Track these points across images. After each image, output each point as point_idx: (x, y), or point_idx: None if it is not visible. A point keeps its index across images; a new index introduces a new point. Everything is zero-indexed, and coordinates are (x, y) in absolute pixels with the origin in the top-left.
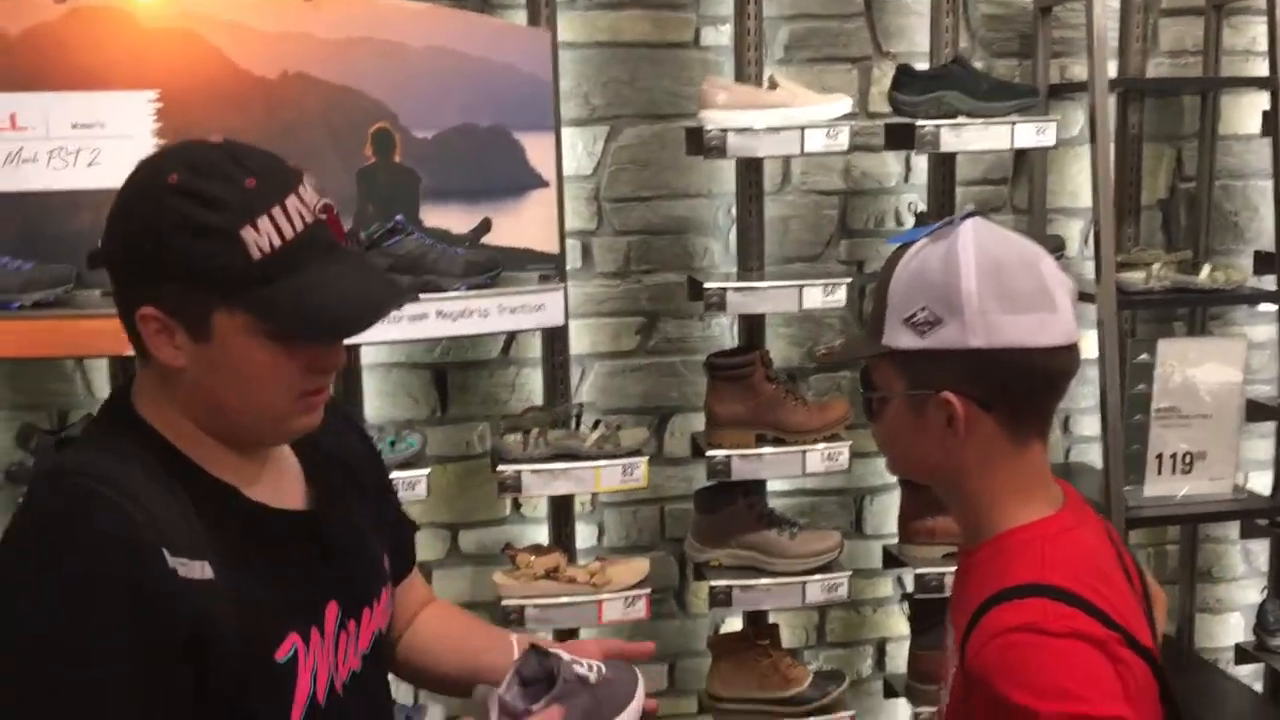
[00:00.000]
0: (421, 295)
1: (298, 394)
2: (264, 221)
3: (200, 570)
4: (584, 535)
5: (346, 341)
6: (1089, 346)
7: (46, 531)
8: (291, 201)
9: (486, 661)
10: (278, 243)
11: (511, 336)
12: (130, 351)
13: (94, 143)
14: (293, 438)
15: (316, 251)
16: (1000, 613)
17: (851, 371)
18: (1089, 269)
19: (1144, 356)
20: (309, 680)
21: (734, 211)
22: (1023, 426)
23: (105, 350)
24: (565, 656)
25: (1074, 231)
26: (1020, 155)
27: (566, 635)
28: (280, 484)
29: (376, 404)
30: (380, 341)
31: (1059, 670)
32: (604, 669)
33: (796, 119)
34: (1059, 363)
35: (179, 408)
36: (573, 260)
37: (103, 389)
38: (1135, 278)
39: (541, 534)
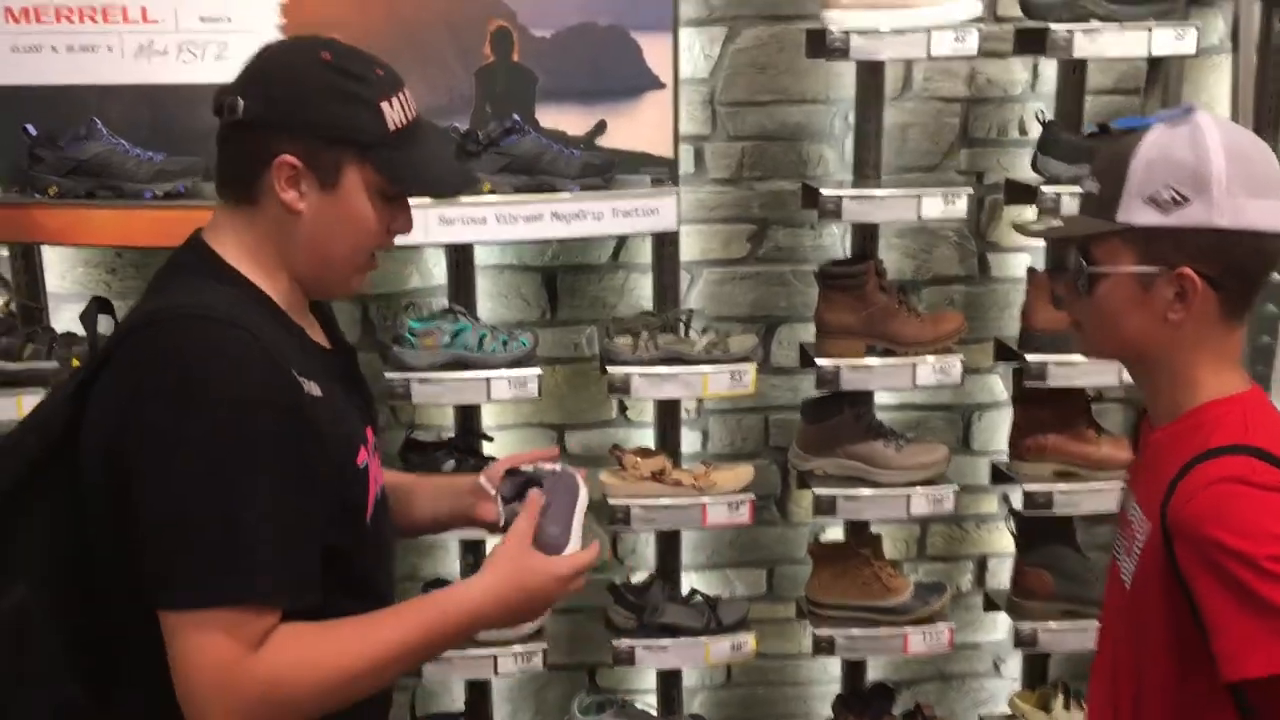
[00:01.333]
0: (536, 196)
1: (373, 250)
2: (395, 100)
3: (315, 389)
4: (688, 441)
5: (461, 241)
6: None
7: (195, 364)
8: (405, 92)
9: (414, 505)
10: (404, 120)
11: (621, 241)
12: None
13: (221, 36)
14: (348, 295)
15: (422, 133)
16: (1206, 467)
17: (965, 285)
18: None
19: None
20: (374, 484)
21: (851, 118)
22: (1237, 307)
23: None
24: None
25: None
26: (1154, 64)
27: (670, 537)
28: (316, 330)
29: (489, 304)
30: (496, 241)
31: (1270, 517)
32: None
33: (924, 20)
34: None
35: (276, 252)
36: (685, 165)
37: None
38: None
39: (646, 438)
